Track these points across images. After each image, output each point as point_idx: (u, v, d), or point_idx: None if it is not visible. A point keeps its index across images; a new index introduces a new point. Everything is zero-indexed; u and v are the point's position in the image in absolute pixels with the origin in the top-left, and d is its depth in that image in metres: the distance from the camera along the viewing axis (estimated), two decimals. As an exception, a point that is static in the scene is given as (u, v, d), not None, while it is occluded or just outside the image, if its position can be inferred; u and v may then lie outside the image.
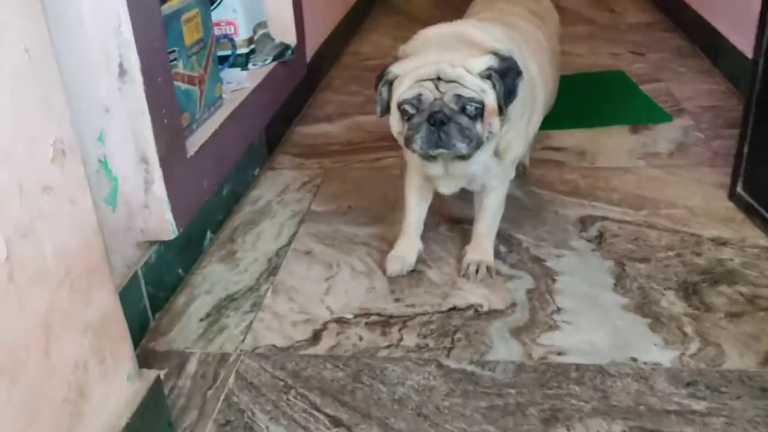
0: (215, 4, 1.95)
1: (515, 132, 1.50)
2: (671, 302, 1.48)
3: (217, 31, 1.89)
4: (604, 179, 2.00)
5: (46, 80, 0.88)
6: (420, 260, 1.67)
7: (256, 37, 2.18)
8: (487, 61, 1.34)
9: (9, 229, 0.81)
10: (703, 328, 1.40)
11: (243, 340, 1.45)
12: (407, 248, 1.66)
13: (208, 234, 1.81)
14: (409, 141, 1.37)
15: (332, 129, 2.48)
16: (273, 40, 2.28)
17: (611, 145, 2.22)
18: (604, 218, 1.81)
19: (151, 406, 1.13)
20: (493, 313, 1.48)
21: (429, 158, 1.45)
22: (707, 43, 2.93)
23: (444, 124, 1.33)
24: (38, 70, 0.87)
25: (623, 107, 2.50)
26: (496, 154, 1.50)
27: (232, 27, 2.06)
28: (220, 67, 1.89)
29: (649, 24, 3.50)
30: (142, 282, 1.47)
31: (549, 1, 1.97)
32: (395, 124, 1.41)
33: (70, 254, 0.93)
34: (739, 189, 1.78)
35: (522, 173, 1.93)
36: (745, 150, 1.74)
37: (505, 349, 1.38)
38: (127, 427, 1.06)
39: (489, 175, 1.54)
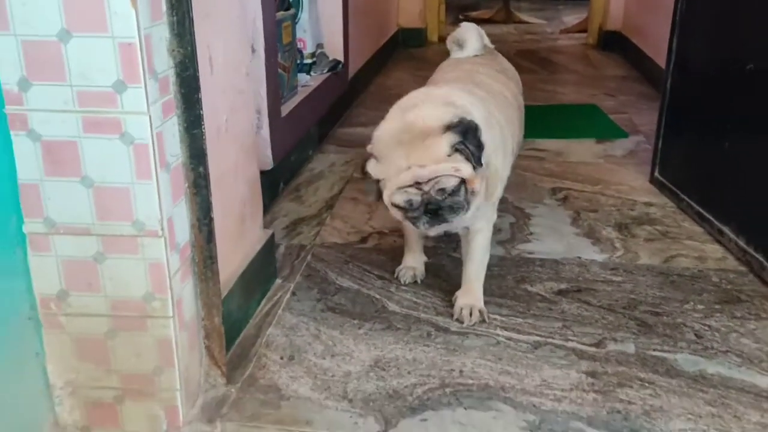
0: (295, 23, 2.68)
1: (495, 172, 1.60)
2: (608, 232, 2.15)
3: (294, 43, 2.62)
4: (573, 168, 2.70)
5: (258, 71, 1.58)
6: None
7: (316, 53, 2.91)
8: (447, 141, 1.42)
9: (228, 110, 1.50)
10: (628, 245, 2.07)
11: (314, 239, 2.11)
12: (414, 261, 1.89)
13: (281, 184, 2.48)
14: (413, 224, 1.52)
15: (367, 131, 3.15)
16: (327, 57, 3.01)
17: (581, 149, 2.92)
18: (569, 189, 2.49)
19: (269, 248, 1.79)
20: (486, 233, 2.15)
21: None
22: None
23: (439, 210, 1.47)
24: (256, 61, 1.57)
25: (592, 127, 3.22)
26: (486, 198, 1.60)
27: (302, 43, 2.80)
28: (295, 68, 2.61)
29: (623, 76, 4.27)
30: (246, 197, 2.14)
31: (509, 63, 2.17)
32: (395, 213, 1.54)
33: (245, 136, 1.61)
34: (656, 173, 2.47)
35: None
36: (660, 145, 2.44)
37: (492, 251, 2.03)
38: (258, 253, 1.71)
39: (476, 217, 1.62)
